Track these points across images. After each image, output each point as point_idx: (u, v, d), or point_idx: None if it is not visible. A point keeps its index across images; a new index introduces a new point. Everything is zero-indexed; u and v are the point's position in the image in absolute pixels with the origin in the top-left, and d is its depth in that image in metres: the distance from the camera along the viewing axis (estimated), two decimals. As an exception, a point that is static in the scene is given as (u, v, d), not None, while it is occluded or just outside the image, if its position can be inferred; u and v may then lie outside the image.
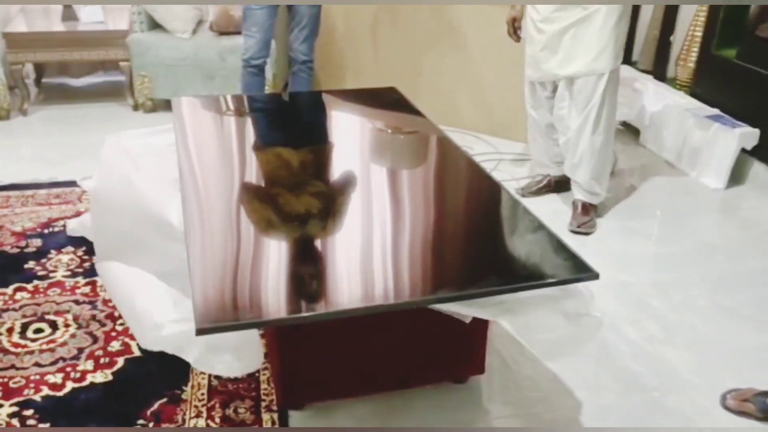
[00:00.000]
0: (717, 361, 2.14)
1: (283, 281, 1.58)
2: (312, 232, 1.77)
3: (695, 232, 2.97)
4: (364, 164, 2.27)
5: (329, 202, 1.97)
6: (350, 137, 2.52)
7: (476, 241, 1.80)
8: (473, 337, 1.93)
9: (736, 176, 3.35)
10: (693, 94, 3.70)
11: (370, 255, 1.66)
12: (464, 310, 1.59)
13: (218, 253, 1.65)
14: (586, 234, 2.90)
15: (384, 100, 2.79)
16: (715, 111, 3.46)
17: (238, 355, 1.65)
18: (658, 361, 2.13)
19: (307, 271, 1.61)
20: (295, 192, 1.99)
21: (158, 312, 1.78)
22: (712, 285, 2.56)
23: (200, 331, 1.36)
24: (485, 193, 2.05)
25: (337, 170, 2.21)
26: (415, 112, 2.61)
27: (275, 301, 1.52)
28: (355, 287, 1.56)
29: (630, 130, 3.98)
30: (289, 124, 2.67)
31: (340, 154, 2.34)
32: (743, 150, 3.30)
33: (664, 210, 3.18)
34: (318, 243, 1.74)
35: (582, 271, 1.57)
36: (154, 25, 4.05)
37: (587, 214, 2.97)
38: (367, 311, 1.47)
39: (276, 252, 1.72)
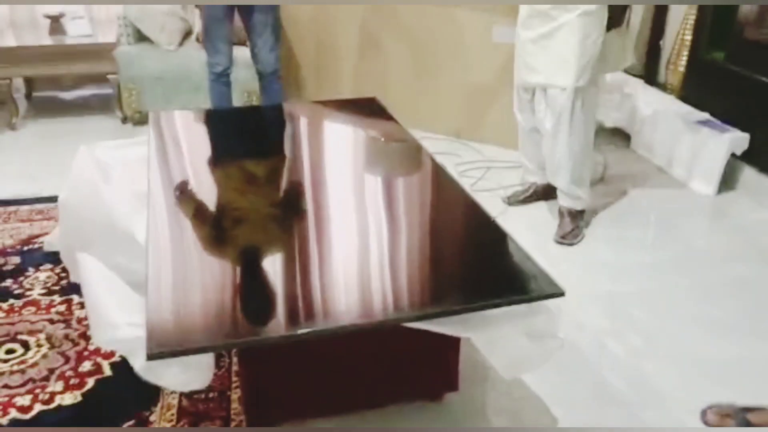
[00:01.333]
0: (699, 374, 2.09)
1: (242, 303, 1.55)
2: (274, 252, 1.75)
3: (684, 239, 2.92)
4: (331, 177, 2.22)
5: (292, 219, 1.94)
6: (323, 150, 2.48)
7: (442, 256, 1.76)
8: (446, 355, 1.89)
9: (727, 181, 3.31)
10: (683, 99, 3.65)
11: (328, 273, 1.63)
12: (428, 327, 1.55)
13: (177, 275, 1.62)
14: (570, 245, 2.86)
15: (363, 110, 2.76)
16: (705, 115, 3.42)
17: (186, 369, 1.60)
18: (639, 374, 2.09)
19: (269, 293, 1.58)
20: (261, 210, 1.97)
21: (117, 312, 1.72)
22: (698, 293, 2.52)
23: (151, 357, 1.34)
24: (454, 206, 2.01)
25: (303, 185, 2.18)
26: (393, 121, 2.58)
27: (231, 324, 1.49)
28: (314, 307, 1.53)
29: (621, 135, 3.94)
30: (266, 137, 2.64)
31: (309, 168, 2.29)
32: (734, 155, 3.25)
33: (653, 216, 3.13)
34: (279, 263, 1.71)
35: (547, 288, 1.53)
36: (141, 38, 4.04)
37: (573, 221, 2.93)
38: (322, 333, 1.44)
39: (235, 273, 1.68)
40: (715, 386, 2.02)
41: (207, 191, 2.12)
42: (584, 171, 2.91)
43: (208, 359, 1.57)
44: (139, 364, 1.56)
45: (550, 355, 1.63)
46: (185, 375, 1.51)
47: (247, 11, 3.38)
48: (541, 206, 3.17)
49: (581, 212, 2.97)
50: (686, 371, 2.10)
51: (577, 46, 2.68)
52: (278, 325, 1.47)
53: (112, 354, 2.11)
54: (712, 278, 2.62)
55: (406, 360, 1.84)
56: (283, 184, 2.18)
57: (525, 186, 3.22)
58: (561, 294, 1.52)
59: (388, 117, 2.65)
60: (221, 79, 3.50)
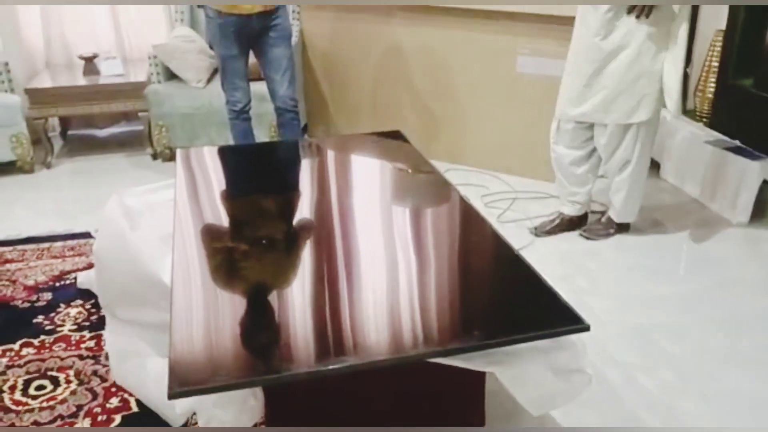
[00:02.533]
0: (734, 410, 2.03)
1: (266, 340, 1.55)
2: (297, 289, 1.75)
3: (717, 269, 2.86)
4: (356, 211, 2.23)
5: (317, 254, 1.94)
6: (348, 185, 2.49)
7: (465, 290, 1.75)
8: (471, 389, 1.86)
9: (761, 209, 3.24)
10: (712, 125, 3.60)
11: (351, 309, 1.63)
12: (452, 362, 1.53)
13: (201, 312, 1.63)
14: (588, 238, 3.11)
15: (387, 144, 2.78)
16: (735, 142, 3.37)
17: (242, 407, 1.65)
18: (672, 412, 2.03)
19: (290, 329, 1.58)
20: (286, 244, 1.98)
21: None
22: (733, 327, 2.45)
23: (173, 396, 1.34)
24: (478, 239, 2.00)
25: (328, 220, 2.18)
26: (417, 154, 2.59)
27: (256, 361, 1.49)
28: (338, 343, 1.52)
29: (650, 164, 3.88)
30: (290, 172, 2.67)
31: (335, 203, 2.30)
32: (766, 182, 3.19)
33: (684, 246, 3.07)
34: (302, 300, 1.71)
35: (571, 323, 1.50)
36: (171, 76, 4.14)
37: (608, 228, 3.12)
38: (347, 370, 1.43)
39: (260, 310, 1.69)
40: (752, 424, 1.96)
41: (232, 227, 2.14)
42: (637, 193, 3.05)
43: (253, 397, 1.60)
44: (203, 419, 1.66)
45: (579, 392, 1.60)
46: (242, 414, 1.55)
47: (261, 47, 3.41)
48: (569, 237, 3.14)
49: (619, 224, 3.12)
50: (721, 408, 2.04)
51: (627, 84, 2.77)
52: (303, 361, 1.47)
53: (139, 390, 2.12)
54: (747, 310, 2.56)
55: (432, 395, 1.82)
56: (309, 219, 2.20)
57: (552, 216, 3.20)
58: (586, 328, 1.49)
59: (413, 150, 2.66)
60: (241, 116, 3.52)
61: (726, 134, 3.45)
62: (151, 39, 4.41)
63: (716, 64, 3.63)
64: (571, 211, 3.12)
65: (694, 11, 3.79)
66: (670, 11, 2.69)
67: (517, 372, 1.53)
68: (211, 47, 3.59)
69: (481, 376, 1.84)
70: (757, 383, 2.15)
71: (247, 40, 3.37)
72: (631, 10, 2.66)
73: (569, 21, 3.00)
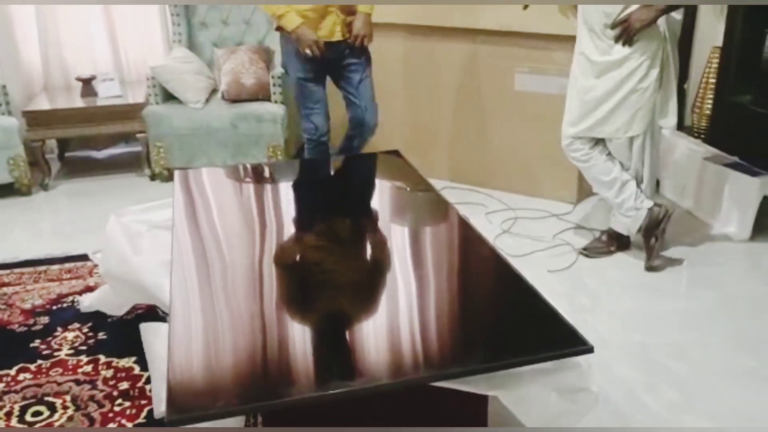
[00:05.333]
0: (740, 429, 2.00)
1: (265, 365, 1.53)
2: (296, 312, 1.73)
3: (718, 286, 2.84)
4: (354, 232, 2.22)
5: (316, 276, 1.93)
6: (345, 205, 2.49)
7: (465, 312, 1.73)
8: (473, 410, 1.84)
9: (761, 225, 3.22)
10: (710, 142, 3.60)
11: (352, 332, 1.61)
12: (454, 386, 1.51)
13: (200, 337, 1.61)
14: (587, 256, 3.09)
15: (386, 163, 2.77)
16: (734, 159, 3.36)
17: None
18: (677, 430, 2.00)
19: (289, 353, 1.56)
20: (286, 267, 1.97)
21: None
22: (735, 344, 2.43)
23: (172, 422, 1.32)
24: (478, 259, 1.99)
25: (326, 242, 2.17)
26: (416, 174, 2.59)
27: (254, 386, 1.47)
28: (338, 367, 1.50)
29: (649, 180, 3.88)
30: (288, 193, 2.66)
31: (333, 224, 2.30)
32: (766, 198, 3.18)
33: (685, 263, 3.06)
34: (301, 323, 1.69)
35: (575, 345, 1.49)
36: (169, 97, 4.13)
37: (608, 245, 3.11)
38: (346, 395, 1.41)
39: (258, 335, 1.67)
40: (758, 442, 1.93)
41: (231, 249, 2.13)
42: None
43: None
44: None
45: (585, 411, 1.57)
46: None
47: (339, 74, 3.34)
48: (569, 255, 3.12)
49: (620, 242, 3.11)
50: (726, 426, 2.01)
51: (620, 99, 2.76)
52: (302, 386, 1.45)
53: (136, 416, 2.10)
54: (748, 327, 2.54)
55: (433, 418, 1.79)
56: (307, 241, 2.19)
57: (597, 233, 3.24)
58: (590, 350, 1.48)
59: (412, 170, 2.65)
60: (322, 145, 3.39)
61: (724, 150, 3.45)
62: (149, 60, 4.42)
63: (713, 80, 3.64)
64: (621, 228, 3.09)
65: (691, 27, 3.81)
66: (657, 31, 2.70)
67: (520, 394, 1.51)
68: (285, 71, 3.48)
69: (483, 399, 1.82)
70: (761, 400, 2.13)
71: (322, 66, 3.27)
72: (617, 39, 2.70)
73: (568, 39, 3.01)
